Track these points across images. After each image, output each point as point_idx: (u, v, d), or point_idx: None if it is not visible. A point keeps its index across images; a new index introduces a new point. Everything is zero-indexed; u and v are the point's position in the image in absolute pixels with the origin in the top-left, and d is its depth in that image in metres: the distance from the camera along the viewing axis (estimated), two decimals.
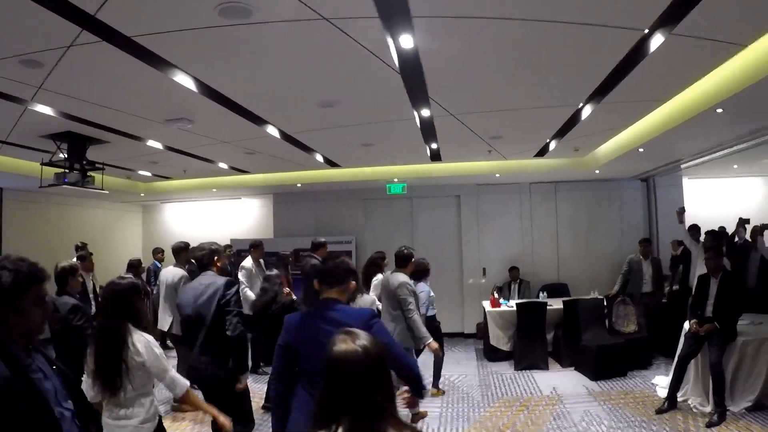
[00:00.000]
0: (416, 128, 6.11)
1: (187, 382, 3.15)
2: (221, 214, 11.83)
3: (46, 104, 4.89)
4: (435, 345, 5.10)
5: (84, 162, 6.38)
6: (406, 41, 3.57)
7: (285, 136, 6.41)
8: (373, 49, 3.71)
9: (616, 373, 6.90)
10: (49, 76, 4.11)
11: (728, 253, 7.06)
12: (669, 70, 4.35)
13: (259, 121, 5.68)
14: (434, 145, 7.24)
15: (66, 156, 6.24)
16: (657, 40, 3.65)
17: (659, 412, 5.47)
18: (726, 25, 3.45)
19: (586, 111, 5.55)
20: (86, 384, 2.91)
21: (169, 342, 6.96)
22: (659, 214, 9.66)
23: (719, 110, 4.86)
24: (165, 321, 6.04)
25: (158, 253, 9.16)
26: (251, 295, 6.80)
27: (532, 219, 10.24)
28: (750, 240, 7.66)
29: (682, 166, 8.32)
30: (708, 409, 5.32)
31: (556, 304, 8.03)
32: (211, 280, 3.96)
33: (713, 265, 5.64)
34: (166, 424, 5.42)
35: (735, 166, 9.22)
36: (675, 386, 5.58)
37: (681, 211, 7.38)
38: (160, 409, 3.35)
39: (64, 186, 6.28)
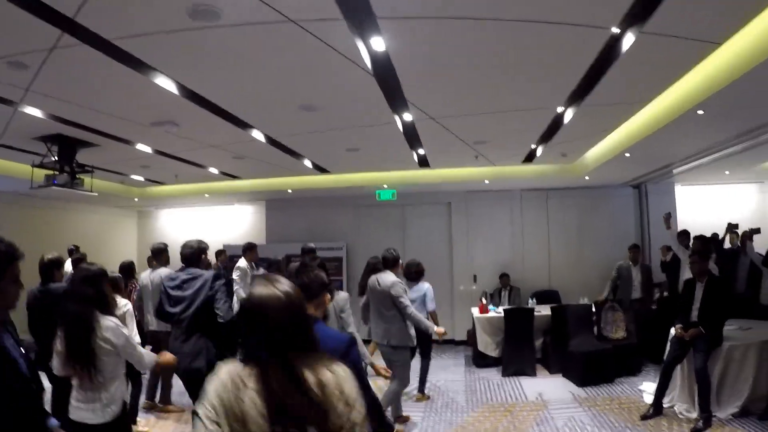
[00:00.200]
0: (399, 132, 6.14)
1: (153, 355, 3.27)
2: (215, 221, 11.95)
3: (35, 106, 4.96)
4: (441, 329, 5.34)
5: (74, 164, 6.45)
6: (376, 43, 3.61)
7: (271, 141, 6.46)
8: (344, 51, 3.74)
9: (604, 379, 6.86)
10: (35, 79, 4.17)
11: (718, 259, 7.06)
12: (645, 71, 4.36)
13: (243, 125, 5.73)
14: (421, 151, 7.28)
15: (56, 158, 6.31)
16: (629, 40, 3.67)
17: (644, 418, 5.43)
18: (697, 22, 3.45)
19: (568, 115, 5.56)
20: (55, 361, 3.05)
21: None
22: (651, 221, 9.64)
23: (700, 111, 4.86)
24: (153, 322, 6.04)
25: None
26: (244, 295, 6.82)
27: (523, 226, 10.25)
28: (739, 245, 7.64)
29: (674, 171, 8.33)
30: (694, 415, 5.26)
31: (544, 310, 8.03)
32: (198, 273, 4.01)
33: (697, 269, 5.62)
34: (149, 424, 5.52)
35: (726, 173, 9.19)
36: (660, 392, 5.54)
37: (668, 217, 7.37)
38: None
39: (54, 188, 6.35)
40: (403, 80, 4.41)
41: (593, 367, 6.88)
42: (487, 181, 9.09)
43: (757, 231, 7.26)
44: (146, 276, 6.00)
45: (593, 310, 7.85)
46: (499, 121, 5.77)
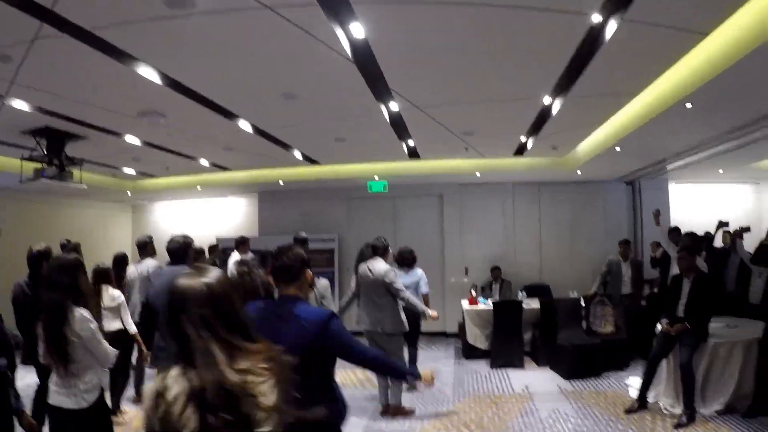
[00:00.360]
0: (386, 122, 6.12)
1: (116, 351, 3.25)
2: (208, 214, 11.96)
3: (21, 99, 4.99)
4: (434, 313, 5.48)
5: (63, 157, 6.47)
6: (355, 29, 3.60)
7: (258, 131, 6.46)
8: (323, 38, 3.73)
9: (591, 373, 6.87)
10: (19, 70, 4.18)
11: (708, 257, 7.05)
12: (630, 61, 4.35)
13: (229, 115, 5.73)
14: (410, 142, 7.29)
15: (45, 151, 6.35)
16: (611, 27, 3.65)
17: (628, 412, 5.44)
18: (679, 11, 3.44)
19: (556, 106, 5.55)
20: (40, 348, 3.09)
21: None
22: (644, 217, 9.65)
23: (688, 105, 4.86)
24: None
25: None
26: None
27: (515, 220, 10.26)
28: (730, 243, 7.63)
29: (668, 168, 8.31)
30: (679, 410, 5.25)
31: (534, 303, 8.03)
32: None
33: (685, 264, 5.59)
34: (137, 416, 5.52)
35: (720, 171, 9.20)
36: (645, 386, 5.54)
37: (657, 213, 7.37)
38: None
39: (43, 180, 6.37)
40: (384, 68, 4.40)
41: (581, 360, 6.89)
42: (478, 174, 9.09)
43: (747, 229, 7.25)
44: (133, 270, 6.01)
45: (582, 304, 7.86)
46: (486, 111, 5.76)
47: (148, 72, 4.34)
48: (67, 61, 4.07)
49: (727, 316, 6.20)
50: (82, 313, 3.08)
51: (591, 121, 6.43)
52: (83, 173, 7.06)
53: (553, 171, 8.95)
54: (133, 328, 5.21)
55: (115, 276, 5.58)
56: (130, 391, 5.75)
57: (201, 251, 7.19)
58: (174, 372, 1.42)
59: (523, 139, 7.13)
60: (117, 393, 5.31)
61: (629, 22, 3.53)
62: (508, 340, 7.60)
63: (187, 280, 1.50)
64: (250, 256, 7.43)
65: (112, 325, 4.97)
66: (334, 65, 4.24)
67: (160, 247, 5.70)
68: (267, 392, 1.40)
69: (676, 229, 7.87)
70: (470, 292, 8.51)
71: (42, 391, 4.45)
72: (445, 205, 10.37)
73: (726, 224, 7.53)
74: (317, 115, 5.91)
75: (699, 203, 10.17)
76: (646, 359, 5.73)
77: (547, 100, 5.37)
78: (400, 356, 5.45)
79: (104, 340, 3.15)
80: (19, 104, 5.09)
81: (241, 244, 8.03)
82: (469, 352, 8.11)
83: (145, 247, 6.05)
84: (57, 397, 3.09)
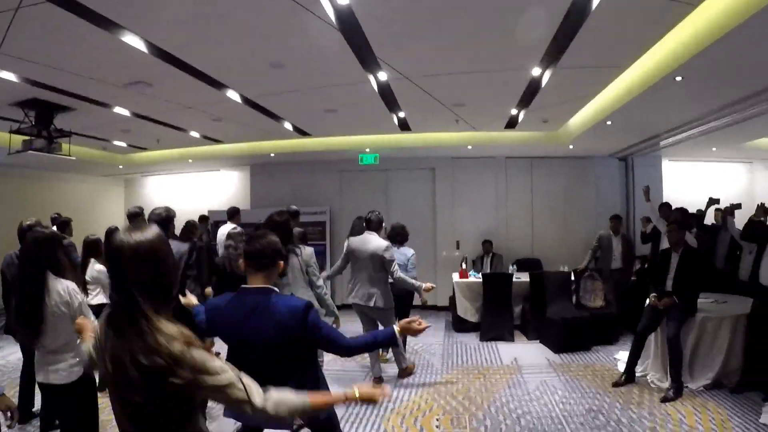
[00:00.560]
0: (375, 93, 6.03)
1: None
2: (200, 187, 11.96)
3: (7, 70, 4.96)
4: (430, 284, 5.43)
5: (51, 129, 6.43)
6: None
7: (246, 101, 6.37)
8: (306, 4, 3.64)
9: (580, 346, 6.91)
10: (4, 40, 4.10)
11: (698, 234, 7.06)
12: (618, 32, 4.28)
13: (216, 84, 5.65)
14: (401, 114, 7.22)
15: (33, 123, 6.31)
16: None
17: (616, 385, 5.47)
18: None
19: (546, 78, 5.48)
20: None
21: None
22: (636, 193, 9.65)
23: (678, 78, 4.82)
24: None
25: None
26: None
27: (507, 194, 10.24)
28: (721, 221, 7.65)
29: (661, 144, 8.29)
30: (666, 385, 5.28)
31: (524, 277, 8.05)
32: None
33: (675, 238, 5.58)
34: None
35: (714, 149, 9.20)
36: (633, 360, 5.58)
37: (647, 190, 7.39)
38: None
39: (31, 152, 6.35)
40: (370, 36, 4.31)
41: (570, 334, 6.92)
42: (469, 147, 9.05)
43: (738, 206, 7.24)
44: None
45: (572, 278, 7.88)
46: (475, 82, 5.66)
47: (134, 41, 4.28)
48: (51, 29, 4.00)
49: (716, 293, 6.23)
50: (67, 285, 3.05)
51: (582, 94, 6.37)
52: (74, 147, 7.06)
53: (546, 145, 8.90)
54: None
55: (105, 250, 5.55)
56: None
57: (194, 224, 7.20)
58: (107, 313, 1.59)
59: (514, 111, 7.06)
60: None
61: None
62: (498, 313, 7.62)
63: (123, 236, 1.57)
64: (238, 230, 7.56)
65: (96, 299, 4.96)
66: (320, 33, 4.15)
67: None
68: (182, 349, 1.49)
69: (667, 205, 7.89)
70: (461, 265, 8.50)
71: (27, 367, 4.46)
72: (438, 178, 10.33)
73: (717, 201, 7.54)
74: (306, 85, 5.81)
75: (692, 181, 10.18)
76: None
77: (536, 71, 5.29)
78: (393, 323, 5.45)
79: (92, 313, 3.12)
80: (6, 75, 5.05)
81: (235, 214, 8.17)
82: (460, 325, 8.14)
83: (136, 218, 5.99)
84: (43, 374, 3.10)
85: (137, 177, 12.49)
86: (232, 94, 6.06)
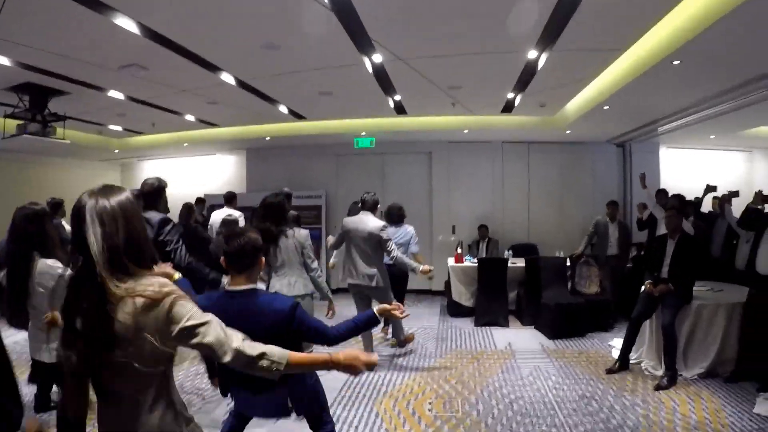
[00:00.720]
0: (370, 75, 5.96)
1: None
2: (197, 171, 11.94)
3: (1, 54, 4.93)
4: (427, 267, 5.49)
5: (46, 113, 6.42)
6: None
7: (241, 84, 6.30)
8: None
9: (575, 332, 6.90)
10: None
11: (696, 221, 7.02)
12: (617, 14, 4.21)
13: (211, 67, 5.60)
14: (396, 97, 7.14)
15: (27, 107, 6.30)
16: None
17: (609, 372, 5.45)
18: None
19: (542, 60, 5.42)
20: None
21: None
22: (633, 180, 9.57)
23: (675, 62, 4.78)
24: None
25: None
26: None
27: (503, 179, 10.19)
28: (718, 208, 7.61)
29: (659, 130, 8.23)
30: (660, 372, 5.25)
31: (520, 262, 8.02)
32: (146, 218, 3.84)
33: (673, 224, 5.53)
34: None
35: (712, 137, 9.15)
36: (627, 347, 5.54)
37: (643, 177, 7.38)
38: None
39: (25, 136, 6.33)
40: (363, 16, 4.23)
41: (565, 320, 6.90)
42: (466, 131, 8.99)
43: (736, 194, 7.18)
44: None
45: (568, 264, 7.86)
46: (471, 64, 5.59)
47: (127, 23, 4.24)
48: (44, 12, 3.96)
49: (712, 281, 6.20)
50: (47, 262, 3.00)
51: (578, 78, 6.29)
52: (69, 131, 7.06)
53: (543, 130, 8.84)
54: None
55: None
56: None
57: (191, 207, 7.16)
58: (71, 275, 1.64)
59: (510, 95, 6.98)
60: None
61: None
62: (493, 298, 7.60)
63: (89, 198, 1.59)
64: (237, 213, 7.53)
65: None
66: (314, 14, 4.08)
67: None
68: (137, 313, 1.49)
69: (663, 191, 7.85)
70: (456, 250, 8.48)
71: None
72: (434, 162, 10.28)
73: (714, 188, 7.48)
74: (300, 67, 5.74)
75: (690, 169, 10.13)
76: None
77: (532, 53, 5.22)
78: (391, 300, 5.43)
79: None
80: (0, 59, 5.03)
81: (232, 198, 8.23)
82: (454, 310, 8.13)
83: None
84: (36, 352, 3.09)
85: (133, 161, 12.47)
86: (227, 77, 5.99)
